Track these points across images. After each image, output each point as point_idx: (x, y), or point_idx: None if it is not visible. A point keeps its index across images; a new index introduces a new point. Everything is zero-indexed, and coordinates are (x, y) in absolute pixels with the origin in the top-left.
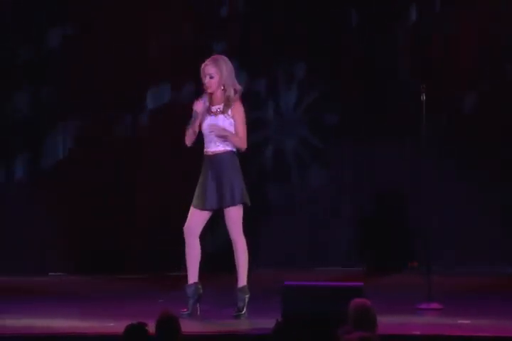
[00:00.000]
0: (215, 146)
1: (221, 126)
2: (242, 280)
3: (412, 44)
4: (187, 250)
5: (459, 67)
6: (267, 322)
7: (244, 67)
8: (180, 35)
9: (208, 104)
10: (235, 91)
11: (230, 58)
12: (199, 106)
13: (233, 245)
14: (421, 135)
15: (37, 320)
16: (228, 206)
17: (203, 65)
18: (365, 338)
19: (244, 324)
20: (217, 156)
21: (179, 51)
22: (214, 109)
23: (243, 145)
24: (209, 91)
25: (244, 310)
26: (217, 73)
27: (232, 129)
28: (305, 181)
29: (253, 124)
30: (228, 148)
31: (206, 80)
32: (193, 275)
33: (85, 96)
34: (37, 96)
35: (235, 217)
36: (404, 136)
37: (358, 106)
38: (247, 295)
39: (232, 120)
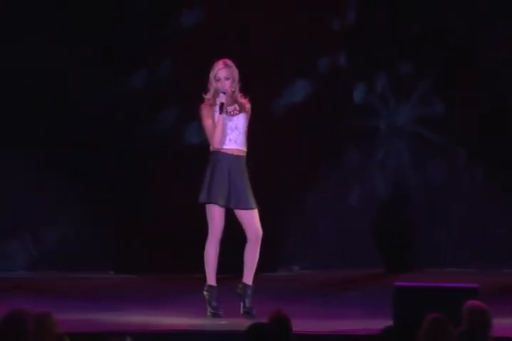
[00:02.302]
0: (236, 145)
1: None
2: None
3: None
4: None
5: None
6: (376, 323)
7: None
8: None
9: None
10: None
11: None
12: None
13: None
14: None
15: (154, 317)
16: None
17: (216, 69)
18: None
19: (354, 324)
20: (238, 156)
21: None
22: (230, 109)
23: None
24: (227, 92)
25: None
26: (232, 76)
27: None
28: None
29: (365, 131)
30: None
31: (222, 82)
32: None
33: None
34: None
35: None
36: None
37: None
38: None
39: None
